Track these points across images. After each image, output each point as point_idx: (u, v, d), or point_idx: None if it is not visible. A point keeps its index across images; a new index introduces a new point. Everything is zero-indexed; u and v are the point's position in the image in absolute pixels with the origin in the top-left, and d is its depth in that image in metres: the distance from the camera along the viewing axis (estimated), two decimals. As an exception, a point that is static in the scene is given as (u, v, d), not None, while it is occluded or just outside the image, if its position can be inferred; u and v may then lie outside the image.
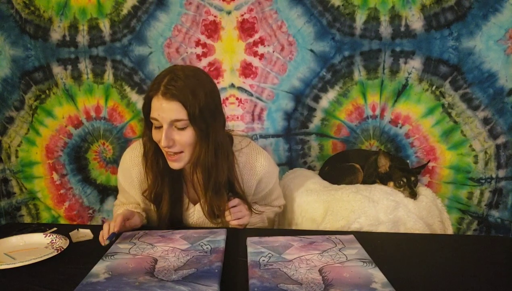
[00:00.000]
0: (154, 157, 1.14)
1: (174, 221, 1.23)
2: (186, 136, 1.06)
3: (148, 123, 1.11)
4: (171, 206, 1.19)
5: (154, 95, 1.05)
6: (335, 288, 0.82)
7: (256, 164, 1.22)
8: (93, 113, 1.92)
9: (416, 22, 1.68)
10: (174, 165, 1.11)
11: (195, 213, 1.24)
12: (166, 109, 1.03)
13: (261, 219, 1.30)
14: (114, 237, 1.06)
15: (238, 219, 1.17)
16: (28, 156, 1.96)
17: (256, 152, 1.24)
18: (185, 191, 1.23)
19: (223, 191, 1.16)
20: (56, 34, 1.84)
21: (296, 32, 1.75)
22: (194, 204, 1.25)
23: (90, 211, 1.99)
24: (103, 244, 1.04)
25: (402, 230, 1.36)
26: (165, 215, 1.20)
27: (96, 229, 1.21)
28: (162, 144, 1.05)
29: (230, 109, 1.82)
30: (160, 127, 1.06)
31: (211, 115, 1.07)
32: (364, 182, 1.61)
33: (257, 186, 1.24)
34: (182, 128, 1.06)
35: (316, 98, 1.80)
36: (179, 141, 1.07)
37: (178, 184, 1.21)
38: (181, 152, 1.09)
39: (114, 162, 1.95)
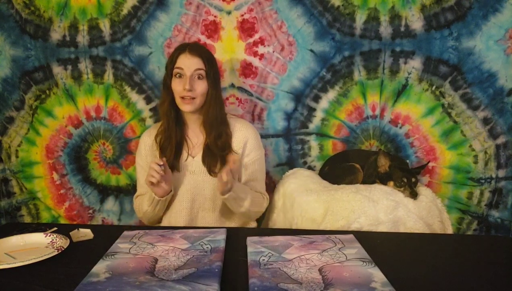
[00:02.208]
0: (169, 106, 1.46)
1: (173, 169, 1.47)
2: (202, 86, 1.42)
3: (169, 76, 1.45)
4: (175, 152, 1.46)
5: (181, 52, 1.43)
6: (335, 287, 0.82)
7: (243, 127, 1.52)
8: (93, 113, 1.92)
9: (416, 22, 1.68)
10: (187, 107, 1.43)
11: (194, 163, 1.48)
12: (191, 62, 1.41)
13: (244, 195, 1.43)
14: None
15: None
16: (28, 156, 1.96)
17: (244, 120, 1.59)
18: (185, 147, 1.50)
19: (223, 139, 1.46)
20: (56, 34, 1.84)
21: (296, 32, 1.75)
22: (193, 158, 1.50)
23: (90, 211, 1.99)
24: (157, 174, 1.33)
25: (402, 230, 1.36)
26: (169, 159, 1.44)
27: (96, 229, 1.22)
28: (186, 87, 1.39)
29: (230, 109, 1.82)
30: (181, 76, 1.41)
31: (217, 77, 1.48)
32: (364, 182, 1.61)
33: (244, 147, 1.50)
34: (200, 78, 1.42)
35: (316, 98, 1.80)
36: (196, 88, 1.41)
37: (181, 138, 1.50)
38: (195, 98, 1.41)
39: (114, 162, 1.96)
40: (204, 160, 1.47)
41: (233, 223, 1.53)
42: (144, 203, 1.47)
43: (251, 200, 1.43)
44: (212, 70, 1.43)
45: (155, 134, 1.51)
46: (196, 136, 1.52)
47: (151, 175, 1.33)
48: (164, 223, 1.52)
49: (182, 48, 1.43)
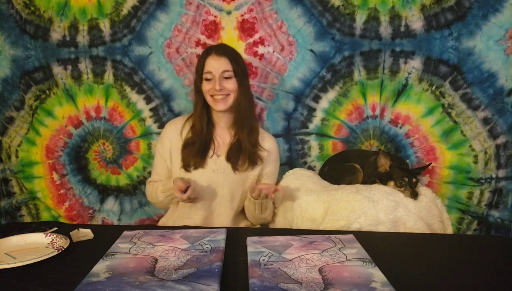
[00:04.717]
0: (202, 109, 1.51)
1: (198, 166, 1.50)
2: (231, 84, 1.47)
3: (200, 80, 1.49)
4: (200, 150, 1.50)
5: (208, 55, 1.47)
6: (335, 287, 0.82)
7: (271, 140, 1.59)
8: (93, 113, 1.92)
9: (416, 22, 1.68)
10: (220, 106, 1.47)
11: (218, 161, 1.51)
12: (218, 63, 1.45)
13: (271, 208, 1.54)
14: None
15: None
16: (28, 156, 1.96)
17: (267, 134, 1.64)
18: (211, 146, 1.53)
19: (255, 135, 1.53)
20: (56, 34, 1.84)
21: (296, 32, 1.75)
22: (218, 157, 1.53)
23: (90, 211, 1.99)
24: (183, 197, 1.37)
25: (402, 230, 1.36)
26: (195, 156, 1.49)
27: (96, 229, 1.22)
28: (216, 87, 1.44)
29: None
30: (210, 79, 1.46)
31: (245, 74, 1.53)
32: (364, 182, 1.61)
33: (267, 158, 1.55)
34: (229, 78, 1.46)
35: (316, 98, 1.80)
36: (226, 87, 1.46)
37: (209, 138, 1.53)
38: (228, 95, 1.47)
39: (114, 162, 1.96)
40: (229, 157, 1.50)
41: (243, 224, 1.58)
42: (159, 194, 1.50)
43: (270, 210, 1.54)
44: (239, 68, 1.48)
45: (182, 125, 1.55)
46: (223, 137, 1.55)
47: (189, 202, 1.44)
48: (181, 217, 1.53)
49: (209, 51, 1.48)
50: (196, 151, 1.49)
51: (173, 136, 1.55)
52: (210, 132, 1.53)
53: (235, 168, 1.49)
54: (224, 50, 1.48)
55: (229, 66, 1.45)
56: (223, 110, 1.48)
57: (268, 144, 1.56)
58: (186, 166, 1.49)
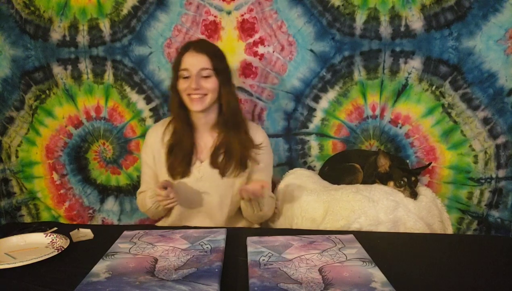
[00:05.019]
0: (179, 108, 1.42)
1: (185, 175, 1.42)
2: (210, 83, 1.36)
3: (176, 77, 1.39)
4: (183, 158, 1.41)
5: (186, 51, 1.37)
6: (335, 287, 0.82)
7: (257, 133, 1.49)
8: (93, 113, 1.92)
9: (416, 22, 1.68)
10: (197, 106, 1.36)
11: (201, 168, 1.42)
12: (196, 60, 1.35)
13: (270, 204, 1.46)
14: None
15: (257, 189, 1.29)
16: (28, 156, 1.96)
17: (256, 126, 1.54)
18: (194, 152, 1.44)
19: (249, 135, 1.44)
20: (56, 34, 1.84)
21: (296, 32, 1.75)
22: (201, 162, 1.44)
23: (90, 211, 1.99)
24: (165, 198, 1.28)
25: (402, 230, 1.36)
26: (180, 164, 1.40)
27: (96, 229, 1.22)
28: (192, 86, 1.33)
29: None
30: (187, 77, 1.35)
31: (228, 72, 1.42)
32: (364, 182, 1.61)
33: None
34: (207, 76, 1.35)
35: (316, 98, 1.80)
36: (204, 86, 1.35)
37: (190, 142, 1.43)
38: (205, 95, 1.36)
39: (114, 162, 1.96)
40: (214, 163, 1.42)
41: (239, 225, 1.54)
42: (147, 201, 1.44)
43: (269, 205, 1.44)
44: (221, 65, 1.38)
45: (162, 132, 1.46)
46: (204, 140, 1.46)
47: (168, 202, 1.31)
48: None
49: (187, 47, 1.39)
50: (182, 156, 1.40)
51: (155, 144, 1.47)
52: (191, 136, 1.44)
53: (222, 173, 1.41)
54: (203, 47, 1.38)
55: (208, 64, 1.35)
56: (199, 110, 1.37)
57: (261, 139, 1.48)
58: (172, 174, 1.41)
